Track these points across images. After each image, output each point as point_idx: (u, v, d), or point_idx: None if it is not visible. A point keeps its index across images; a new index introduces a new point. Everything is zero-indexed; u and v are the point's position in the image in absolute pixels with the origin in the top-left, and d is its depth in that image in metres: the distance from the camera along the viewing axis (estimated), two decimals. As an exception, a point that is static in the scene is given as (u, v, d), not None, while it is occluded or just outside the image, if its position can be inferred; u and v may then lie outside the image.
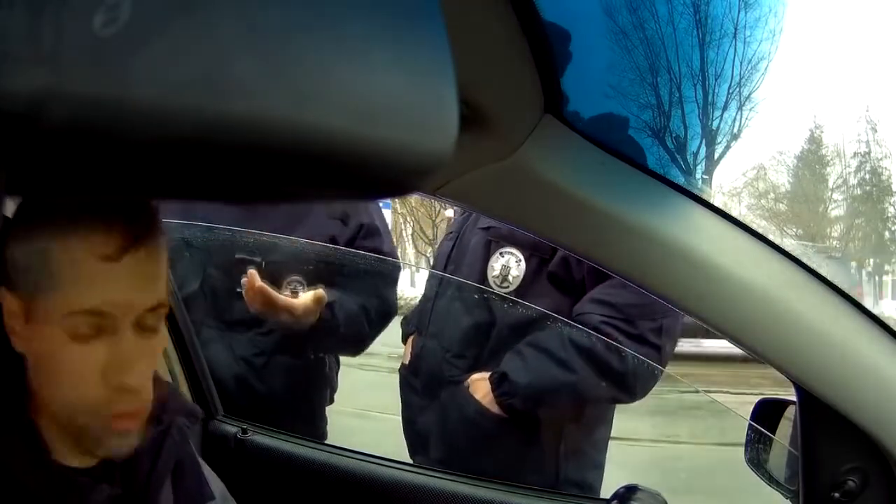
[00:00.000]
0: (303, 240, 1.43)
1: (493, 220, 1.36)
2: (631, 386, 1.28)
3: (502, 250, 1.34)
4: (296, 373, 1.46)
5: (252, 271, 1.34)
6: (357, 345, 1.53)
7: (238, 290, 1.40)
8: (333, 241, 1.46)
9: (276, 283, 1.41)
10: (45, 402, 0.64)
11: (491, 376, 1.31)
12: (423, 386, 1.43)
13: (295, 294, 1.41)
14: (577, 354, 1.26)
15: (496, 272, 1.34)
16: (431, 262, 1.58)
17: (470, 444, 1.33)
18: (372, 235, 1.50)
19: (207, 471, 0.81)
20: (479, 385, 1.32)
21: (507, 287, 1.33)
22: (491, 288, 1.34)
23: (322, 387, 1.56)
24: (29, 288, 0.60)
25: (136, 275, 0.61)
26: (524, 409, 1.30)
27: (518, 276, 1.33)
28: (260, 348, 1.43)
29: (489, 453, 1.32)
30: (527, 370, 1.29)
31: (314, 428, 1.52)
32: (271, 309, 1.34)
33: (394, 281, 1.57)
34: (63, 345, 0.60)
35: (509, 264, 1.34)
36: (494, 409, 1.30)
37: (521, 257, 1.33)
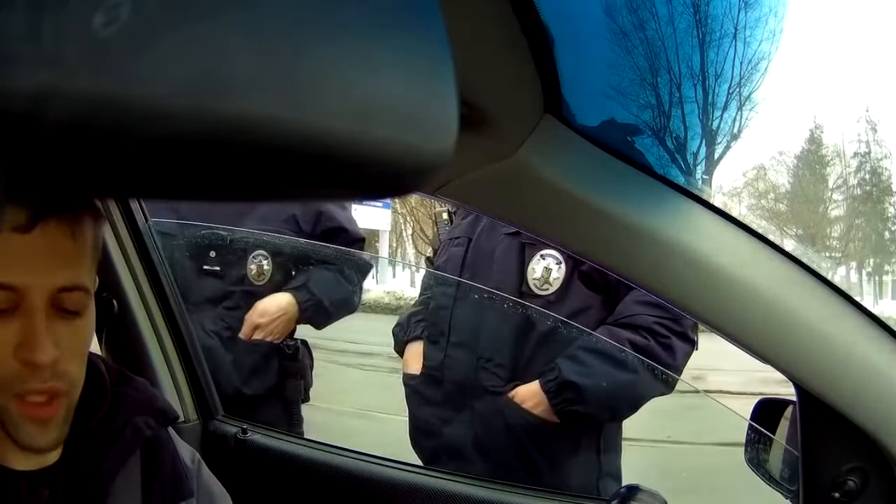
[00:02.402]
0: (258, 232, 1.50)
1: None
2: (674, 380, 1.32)
3: (542, 253, 1.35)
4: (265, 351, 1.53)
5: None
6: (347, 306, 1.63)
7: (205, 267, 1.47)
8: (294, 218, 1.55)
9: (242, 256, 1.51)
10: None
11: (545, 384, 1.31)
12: (447, 397, 1.42)
13: (260, 269, 1.52)
14: (633, 356, 1.28)
15: (537, 274, 1.35)
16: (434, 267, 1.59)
17: (514, 453, 1.34)
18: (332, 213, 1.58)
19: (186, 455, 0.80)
20: (527, 394, 1.32)
21: (548, 289, 1.35)
22: (531, 291, 1.36)
23: (293, 374, 1.59)
24: None
25: (48, 250, 0.59)
26: (585, 413, 1.32)
27: (559, 277, 1.35)
28: (227, 323, 1.51)
29: (534, 460, 1.33)
30: (588, 375, 1.30)
31: (290, 423, 1.56)
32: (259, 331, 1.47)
33: (360, 241, 1.66)
34: None
35: (550, 266, 1.35)
36: (548, 417, 1.31)
37: (561, 259, 1.35)
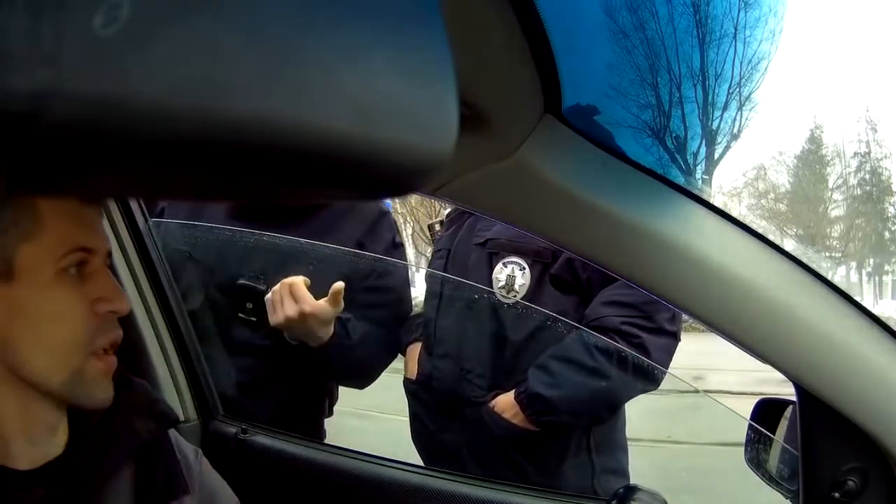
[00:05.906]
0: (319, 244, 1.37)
1: (487, 234, 1.36)
2: (657, 375, 1.29)
3: (505, 260, 1.34)
4: (295, 392, 1.42)
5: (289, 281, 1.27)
6: (366, 372, 1.45)
7: (241, 315, 1.37)
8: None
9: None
10: (17, 375, 0.63)
11: (518, 396, 1.30)
12: (439, 404, 1.42)
13: None
14: (607, 360, 1.26)
15: (501, 283, 1.34)
16: (426, 276, 1.54)
17: (504, 459, 1.33)
18: (386, 274, 1.43)
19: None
20: (505, 405, 1.31)
21: (515, 296, 1.33)
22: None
23: (321, 397, 1.52)
24: (12, 242, 0.61)
25: (99, 220, 0.69)
26: (560, 423, 1.30)
27: (524, 283, 1.32)
28: (258, 375, 1.38)
29: (524, 465, 1.32)
30: (557, 386, 1.28)
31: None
32: (293, 312, 1.27)
33: (405, 317, 1.50)
34: (53, 288, 0.62)
35: (514, 273, 1.33)
36: (527, 426, 1.30)
37: (525, 265, 1.33)
